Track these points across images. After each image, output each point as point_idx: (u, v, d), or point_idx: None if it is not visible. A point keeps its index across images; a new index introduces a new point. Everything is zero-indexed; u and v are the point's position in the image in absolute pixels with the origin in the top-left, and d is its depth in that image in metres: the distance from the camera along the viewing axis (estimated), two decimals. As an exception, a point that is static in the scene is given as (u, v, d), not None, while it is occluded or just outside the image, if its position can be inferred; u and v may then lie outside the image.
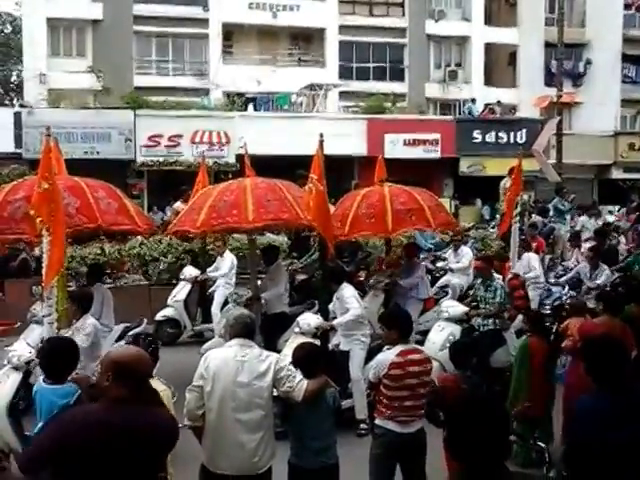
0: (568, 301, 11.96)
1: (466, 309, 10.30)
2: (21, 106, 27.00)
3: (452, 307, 10.46)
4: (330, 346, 9.11)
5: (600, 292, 9.07)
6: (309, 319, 9.11)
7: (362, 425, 8.56)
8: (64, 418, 3.97)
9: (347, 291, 9.11)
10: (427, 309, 11.49)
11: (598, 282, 12.77)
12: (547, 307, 12.01)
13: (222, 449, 5.09)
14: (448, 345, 9.25)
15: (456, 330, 9.95)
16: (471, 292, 11.16)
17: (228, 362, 5.14)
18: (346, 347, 8.98)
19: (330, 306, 9.44)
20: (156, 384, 5.27)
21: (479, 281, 10.39)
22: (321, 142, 8.84)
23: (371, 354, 8.85)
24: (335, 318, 9.22)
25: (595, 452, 4.10)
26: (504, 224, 12.07)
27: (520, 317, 10.30)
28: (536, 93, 33.66)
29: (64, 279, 8.17)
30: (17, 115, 25.61)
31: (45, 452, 3.75)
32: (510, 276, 11.10)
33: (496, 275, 10.42)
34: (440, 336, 9.83)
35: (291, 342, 8.57)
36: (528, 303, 11.29)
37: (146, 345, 5.77)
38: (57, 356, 5.25)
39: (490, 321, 9.79)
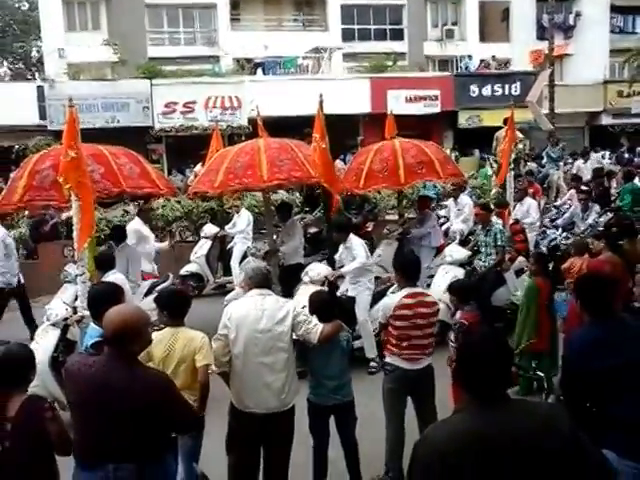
0: (563, 242, 12.01)
1: (469, 253, 10.37)
2: (43, 80, 26.82)
3: (455, 252, 10.52)
4: (339, 293, 9.17)
5: (601, 231, 9.13)
6: (318, 269, 9.18)
7: (372, 363, 8.71)
8: (66, 364, 4.23)
9: (355, 240, 9.19)
10: (441, 255, 11.52)
11: (589, 222, 12.81)
12: (542, 248, 12.01)
13: (250, 390, 5.21)
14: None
15: (459, 273, 10.02)
16: (472, 237, 11.20)
17: (249, 311, 5.23)
18: (353, 293, 9.07)
19: (336, 255, 9.51)
20: (193, 332, 5.35)
21: (479, 227, 10.41)
22: (321, 102, 8.81)
23: (376, 298, 8.98)
24: (342, 266, 9.31)
25: (590, 378, 4.19)
26: (502, 174, 12.05)
27: (520, 259, 10.37)
28: (529, 47, 33.34)
29: (94, 241, 8.23)
30: (40, 89, 25.53)
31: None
32: (512, 221, 11.11)
33: (497, 220, 10.42)
34: (445, 279, 9.86)
35: (302, 290, 8.64)
36: (527, 246, 11.32)
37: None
38: (96, 298, 5.30)
39: (491, 263, 9.83)
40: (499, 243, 9.71)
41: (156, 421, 3.85)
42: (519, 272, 10.26)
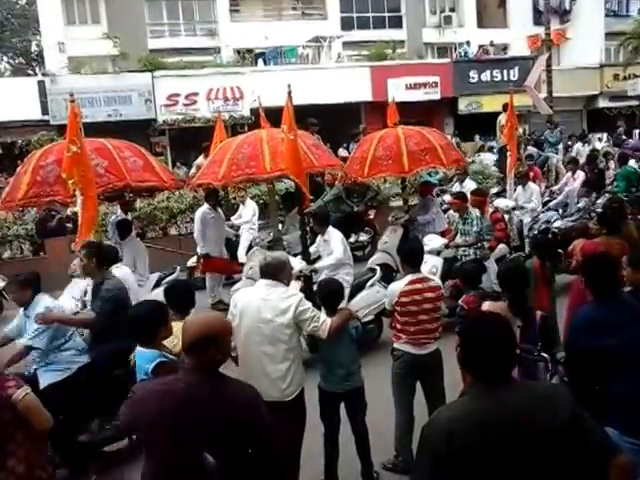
0: (555, 224, 11.95)
1: (444, 241, 10.32)
2: (44, 75, 26.69)
3: (432, 240, 10.52)
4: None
5: (599, 214, 9.07)
6: (292, 263, 9.08)
7: None
8: (131, 396, 3.62)
9: (335, 235, 9.17)
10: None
11: (579, 205, 12.82)
12: (534, 232, 11.98)
13: (251, 378, 5.16)
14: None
15: (437, 262, 10.04)
16: (453, 227, 11.16)
17: (252, 301, 5.26)
18: None
19: (312, 248, 9.45)
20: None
21: (457, 215, 10.33)
22: (289, 93, 8.64)
23: (354, 291, 9.08)
24: (319, 257, 9.33)
25: (592, 356, 4.23)
26: (512, 160, 12.03)
27: (501, 246, 10.32)
28: (526, 32, 33.24)
29: (100, 235, 8.18)
30: (41, 84, 25.37)
31: (123, 424, 3.84)
32: (492, 210, 11.00)
33: (474, 209, 10.32)
34: (424, 268, 9.86)
35: None
36: (508, 233, 11.23)
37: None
38: (134, 320, 4.92)
39: (471, 251, 9.77)
40: (475, 229, 9.64)
41: (241, 446, 3.31)
42: (500, 260, 10.20)
